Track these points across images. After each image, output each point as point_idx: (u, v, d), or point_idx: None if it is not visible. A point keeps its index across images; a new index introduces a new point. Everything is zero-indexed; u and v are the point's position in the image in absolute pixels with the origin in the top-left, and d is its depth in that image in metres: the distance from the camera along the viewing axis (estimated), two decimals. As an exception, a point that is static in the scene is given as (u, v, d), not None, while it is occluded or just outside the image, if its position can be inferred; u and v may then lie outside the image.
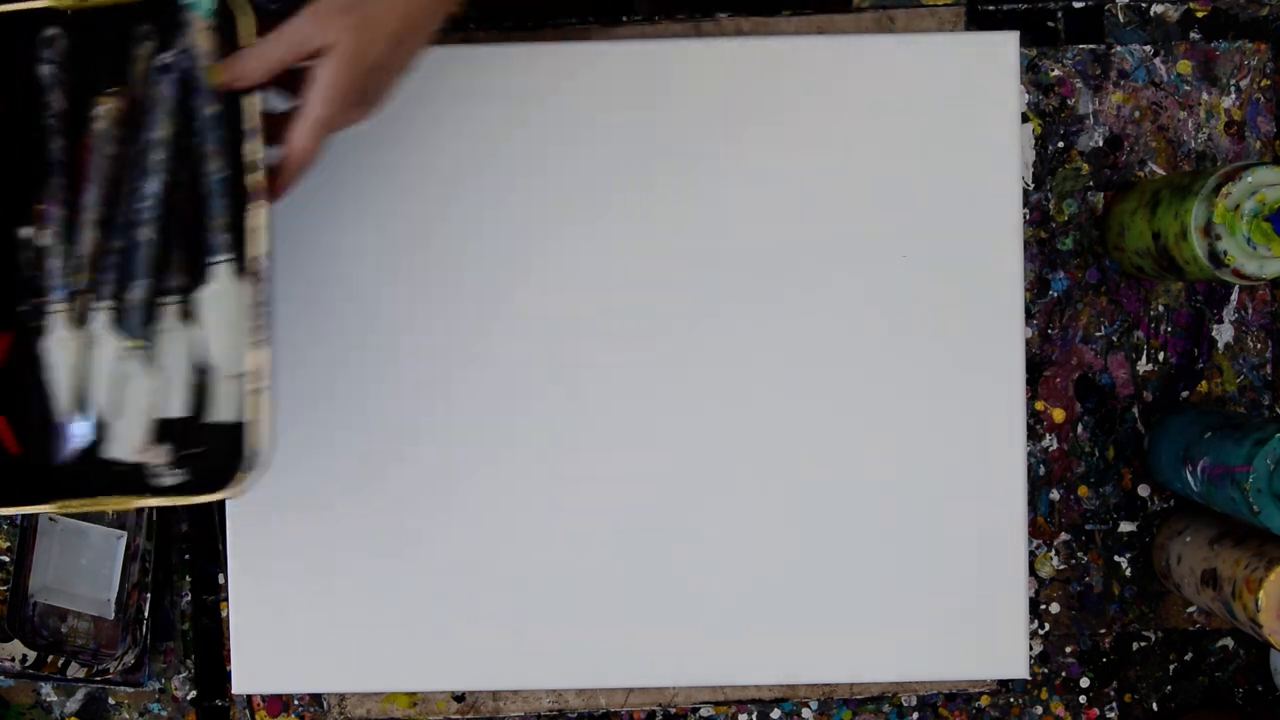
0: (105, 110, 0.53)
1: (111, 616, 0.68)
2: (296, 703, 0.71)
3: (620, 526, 0.65)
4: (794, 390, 0.65)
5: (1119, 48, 0.70)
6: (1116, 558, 0.70)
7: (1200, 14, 0.70)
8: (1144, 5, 0.70)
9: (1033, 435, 0.70)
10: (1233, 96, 0.70)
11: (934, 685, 0.70)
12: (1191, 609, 0.71)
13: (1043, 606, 0.70)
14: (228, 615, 0.67)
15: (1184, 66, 0.70)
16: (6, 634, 0.67)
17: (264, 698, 0.70)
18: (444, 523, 0.65)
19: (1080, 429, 0.70)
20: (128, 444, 0.54)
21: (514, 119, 0.65)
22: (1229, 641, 0.71)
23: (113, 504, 0.54)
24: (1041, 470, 0.70)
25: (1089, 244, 0.70)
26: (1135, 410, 0.70)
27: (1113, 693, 0.71)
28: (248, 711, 0.71)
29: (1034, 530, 0.70)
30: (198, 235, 0.54)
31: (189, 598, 0.70)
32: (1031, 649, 0.70)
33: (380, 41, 0.51)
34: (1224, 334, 0.70)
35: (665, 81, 0.64)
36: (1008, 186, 0.64)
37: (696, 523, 0.65)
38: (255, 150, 0.52)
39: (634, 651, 0.65)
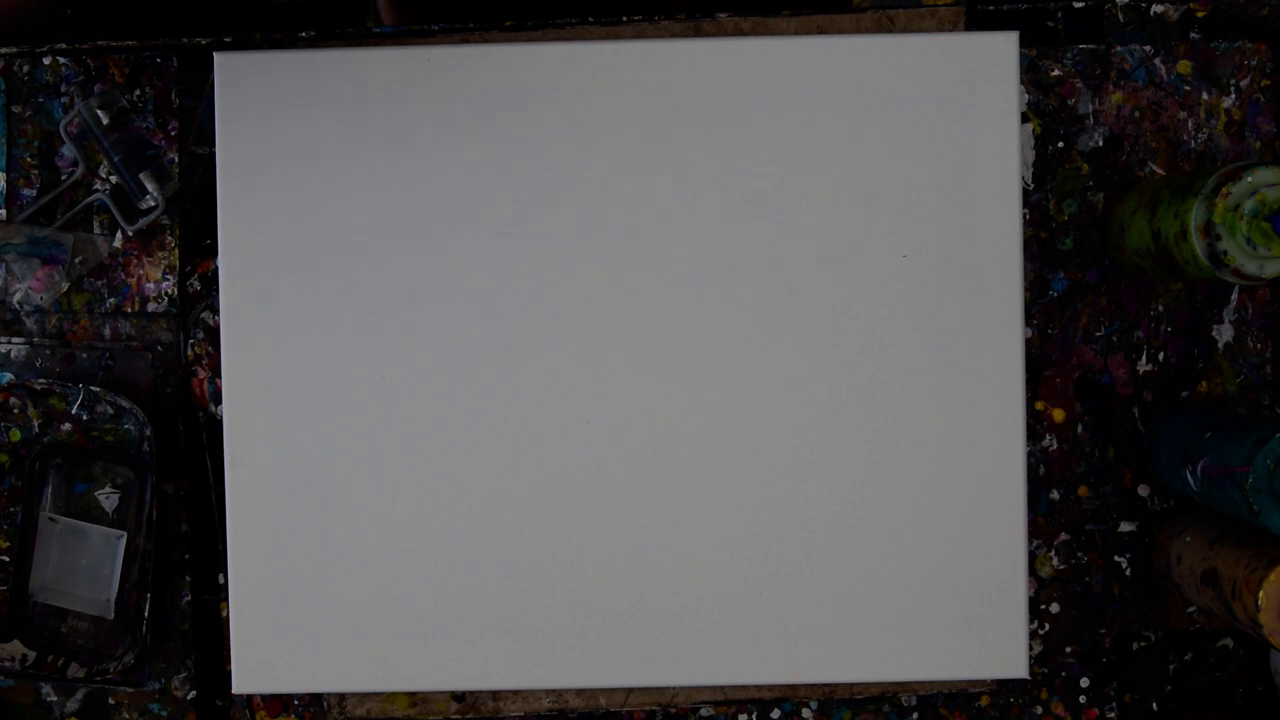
0: None
1: (111, 616, 0.68)
2: (296, 703, 0.71)
3: (621, 527, 0.65)
4: (793, 390, 0.65)
5: (1119, 48, 0.70)
6: (1116, 558, 0.70)
7: (1200, 14, 0.70)
8: (1144, 5, 0.70)
9: (1033, 435, 0.70)
10: (1233, 96, 0.70)
11: (934, 685, 0.70)
12: (1191, 609, 0.71)
13: (1043, 606, 0.70)
14: (228, 615, 0.67)
15: (1184, 66, 0.70)
16: (6, 634, 0.67)
17: (264, 698, 0.71)
18: (444, 523, 0.65)
19: (1080, 429, 0.70)
20: None
21: (514, 119, 0.65)
22: (1229, 641, 0.71)
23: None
24: (1041, 470, 0.70)
25: (1089, 244, 0.70)
26: (1135, 410, 0.70)
27: (1113, 693, 0.71)
28: (248, 711, 0.71)
29: (1034, 530, 0.70)
30: None
31: (189, 598, 0.70)
32: (1031, 649, 0.70)
33: None
34: (1224, 334, 0.70)
35: (665, 81, 0.65)
36: (1008, 186, 0.64)
37: (697, 523, 0.65)
38: None
39: (634, 651, 0.65)
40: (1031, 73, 0.70)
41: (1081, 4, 0.70)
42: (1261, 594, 0.59)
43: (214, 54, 0.65)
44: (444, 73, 0.65)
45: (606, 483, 0.65)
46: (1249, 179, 0.58)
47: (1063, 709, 0.71)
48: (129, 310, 0.70)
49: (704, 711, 0.71)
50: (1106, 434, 0.70)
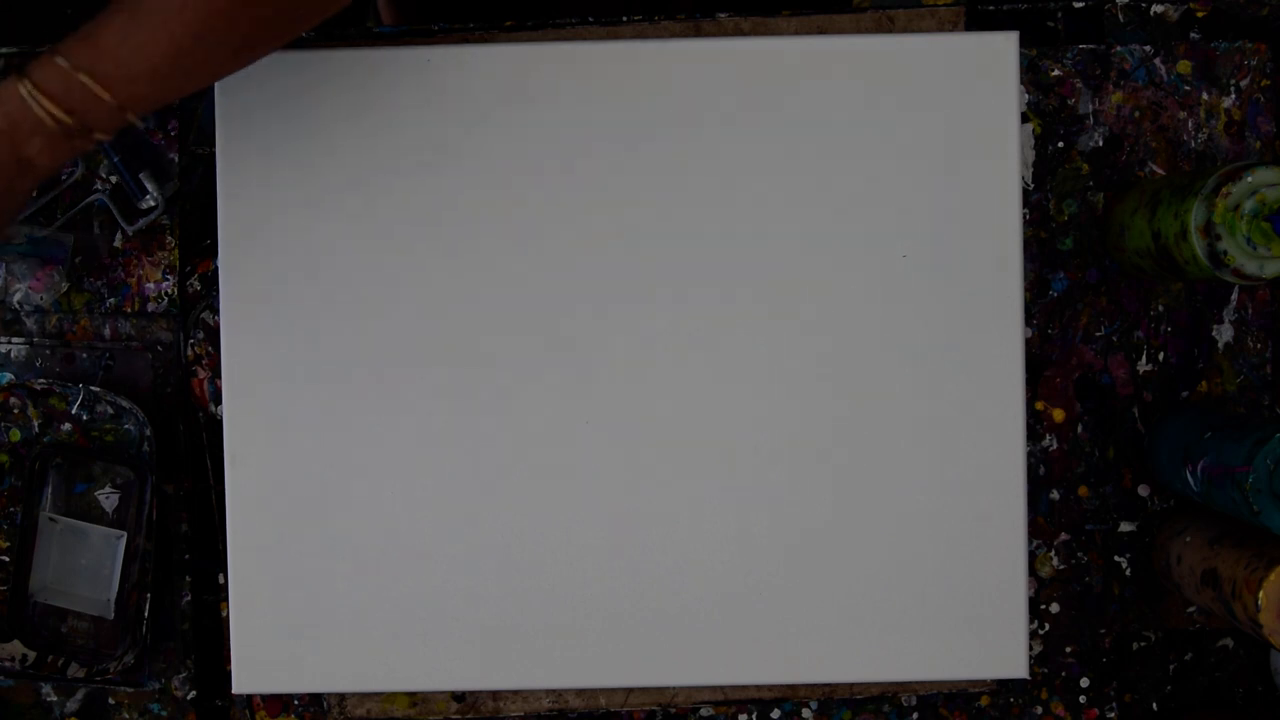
0: None
1: (111, 616, 0.68)
2: (296, 703, 0.71)
3: (621, 527, 0.65)
4: (792, 390, 0.65)
5: (1119, 48, 0.70)
6: (1116, 558, 0.70)
7: (1200, 14, 0.70)
8: (1144, 5, 0.70)
9: (1033, 435, 0.70)
10: (1233, 96, 0.70)
11: (934, 685, 0.70)
12: (1191, 609, 0.71)
13: (1043, 606, 0.70)
14: (228, 615, 0.67)
15: (1184, 66, 0.70)
16: (6, 634, 0.67)
17: (264, 698, 0.70)
18: (443, 523, 0.65)
19: (1080, 429, 0.70)
20: None
21: (514, 119, 0.65)
22: (1229, 641, 0.71)
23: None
24: (1041, 470, 0.70)
25: (1089, 244, 0.70)
26: (1135, 410, 0.70)
27: (1113, 693, 0.71)
28: (248, 711, 0.71)
29: (1034, 530, 0.70)
30: None
31: (189, 598, 0.70)
32: (1031, 649, 0.70)
33: None
34: (1224, 334, 0.70)
35: (665, 81, 0.64)
36: (1008, 186, 0.64)
37: (697, 523, 0.65)
38: None
39: (634, 651, 0.65)
40: (1031, 73, 0.70)
41: (1081, 4, 0.70)
42: (1261, 594, 0.59)
43: (214, 54, 0.65)
44: (444, 73, 0.65)
45: (606, 483, 0.65)
46: (1249, 179, 0.58)
47: (1063, 709, 0.71)
48: (129, 310, 0.70)
49: (704, 711, 0.71)
50: (1106, 434, 0.70)
